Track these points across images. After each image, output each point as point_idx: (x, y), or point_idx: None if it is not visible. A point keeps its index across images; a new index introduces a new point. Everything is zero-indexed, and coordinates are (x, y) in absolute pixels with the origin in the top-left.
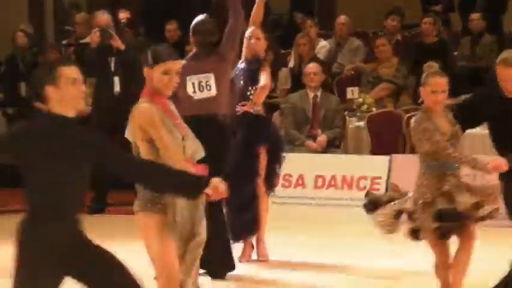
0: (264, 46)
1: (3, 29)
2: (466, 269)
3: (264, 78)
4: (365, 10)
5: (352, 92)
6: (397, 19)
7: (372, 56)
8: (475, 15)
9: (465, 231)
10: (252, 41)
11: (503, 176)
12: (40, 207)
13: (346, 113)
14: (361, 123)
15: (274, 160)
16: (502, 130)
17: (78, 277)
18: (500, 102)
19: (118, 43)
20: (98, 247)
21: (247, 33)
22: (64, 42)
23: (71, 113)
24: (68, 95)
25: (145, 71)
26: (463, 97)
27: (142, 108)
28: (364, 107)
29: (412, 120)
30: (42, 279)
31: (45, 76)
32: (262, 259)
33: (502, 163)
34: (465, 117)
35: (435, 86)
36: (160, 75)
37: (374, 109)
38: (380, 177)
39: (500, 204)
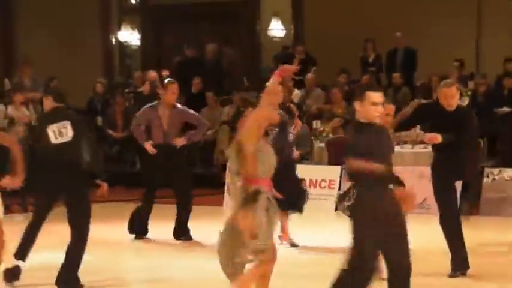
0: None
1: (84, 81)
2: None
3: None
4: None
5: (316, 124)
6: (345, 76)
7: (329, 100)
8: (395, 74)
9: None
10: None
11: (435, 148)
12: None
13: (312, 137)
14: (322, 145)
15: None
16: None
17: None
18: (441, 114)
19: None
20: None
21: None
22: (126, 90)
23: None
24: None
25: None
26: (406, 108)
27: None
28: (324, 133)
29: None
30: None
31: None
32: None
33: (438, 137)
34: (406, 123)
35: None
36: None
37: (330, 135)
38: (334, 180)
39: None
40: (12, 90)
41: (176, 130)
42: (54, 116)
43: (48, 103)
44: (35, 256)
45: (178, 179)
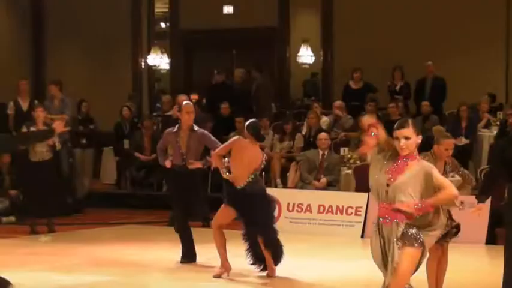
0: None
1: (113, 104)
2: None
3: None
4: None
5: (343, 151)
6: (373, 104)
7: (357, 127)
8: (424, 103)
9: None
10: None
11: None
12: None
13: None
14: (350, 171)
15: None
16: None
17: None
18: None
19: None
20: None
21: None
22: (154, 114)
23: None
24: None
25: None
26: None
27: None
28: (352, 161)
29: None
30: None
31: None
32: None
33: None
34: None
35: (447, 145)
36: None
37: (358, 162)
38: (361, 207)
39: None
40: (32, 108)
41: (195, 153)
42: None
43: None
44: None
45: (194, 203)
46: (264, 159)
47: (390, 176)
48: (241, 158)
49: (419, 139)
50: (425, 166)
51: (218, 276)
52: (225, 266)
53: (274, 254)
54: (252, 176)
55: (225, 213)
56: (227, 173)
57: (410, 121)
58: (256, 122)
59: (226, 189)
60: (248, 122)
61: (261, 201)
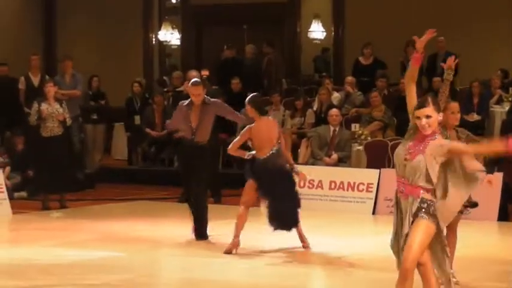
0: None
1: (124, 80)
2: None
3: None
4: None
5: (355, 127)
6: (384, 80)
7: (368, 104)
8: (436, 78)
9: None
10: None
11: None
12: None
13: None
14: (361, 148)
15: None
16: None
17: None
18: None
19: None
20: None
21: None
22: (165, 89)
23: None
24: None
25: None
26: None
27: None
28: (363, 137)
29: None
30: None
31: None
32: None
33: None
34: None
35: (453, 108)
36: None
37: (369, 138)
38: (372, 183)
39: None
40: (44, 83)
41: (206, 129)
42: None
43: None
44: (67, 253)
45: (196, 180)
46: (277, 127)
47: (410, 153)
48: (259, 138)
49: (440, 116)
50: (440, 142)
51: (229, 252)
52: (234, 242)
53: (279, 225)
54: (276, 148)
55: (250, 188)
56: (248, 153)
57: (430, 99)
58: (257, 95)
59: (249, 163)
60: (248, 97)
61: (281, 174)
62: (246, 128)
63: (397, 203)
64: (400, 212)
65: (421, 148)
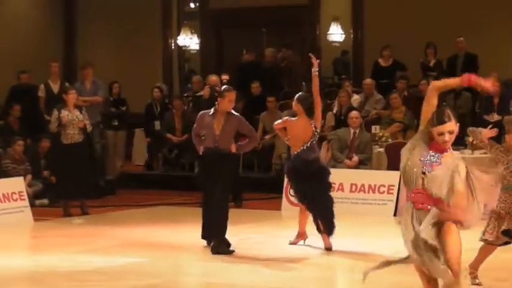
0: None
1: (144, 86)
2: None
3: None
4: None
5: (375, 129)
6: (404, 82)
7: (388, 105)
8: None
9: None
10: None
11: None
12: None
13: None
14: (382, 150)
15: None
16: None
17: None
18: None
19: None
20: None
21: None
22: (185, 94)
23: None
24: None
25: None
26: None
27: None
28: (383, 139)
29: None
30: None
31: None
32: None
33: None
34: None
35: None
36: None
37: (390, 140)
38: (393, 185)
39: None
40: (64, 90)
41: (228, 137)
42: None
43: None
44: (90, 259)
45: (218, 187)
46: (314, 130)
47: (427, 165)
48: (293, 134)
49: (457, 127)
50: (456, 159)
51: (294, 243)
52: (301, 235)
53: (326, 225)
54: (308, 144)
55: None
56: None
57: (450, 113)
58: (308, 95)
59: (287, 159)
60: (299, 94)
61: (312, 167)
62: (287, 118)
63: (412, 215)
64: (416, 221)
65: (438, 160)
